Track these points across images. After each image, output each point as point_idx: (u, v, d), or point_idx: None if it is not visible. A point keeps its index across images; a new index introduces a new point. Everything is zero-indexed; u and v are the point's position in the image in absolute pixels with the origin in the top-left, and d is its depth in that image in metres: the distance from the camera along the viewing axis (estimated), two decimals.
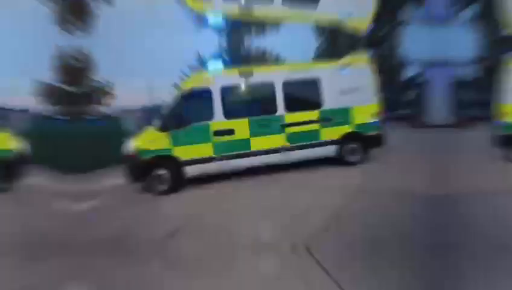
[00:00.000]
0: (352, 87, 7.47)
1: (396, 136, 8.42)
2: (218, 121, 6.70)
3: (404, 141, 10.97)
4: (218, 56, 7.17)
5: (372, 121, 7.64)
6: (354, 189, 5.74)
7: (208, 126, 6.66)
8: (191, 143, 6.59)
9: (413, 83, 18.40)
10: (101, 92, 16.70)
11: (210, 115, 6.76)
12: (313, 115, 7.26)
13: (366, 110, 7.58)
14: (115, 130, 11.46)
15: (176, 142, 6.54)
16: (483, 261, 3.02)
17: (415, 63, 20.71)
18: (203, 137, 6.64)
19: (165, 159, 6.59)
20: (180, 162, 6.58)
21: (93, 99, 15.22)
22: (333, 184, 6.18)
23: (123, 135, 8.48)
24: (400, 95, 17.49)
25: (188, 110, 6.81)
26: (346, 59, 7.88)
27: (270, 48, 17.54)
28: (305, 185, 6.35)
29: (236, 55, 11.76)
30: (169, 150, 6.53)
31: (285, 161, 7.25)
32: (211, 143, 6.70)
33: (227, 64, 7.32)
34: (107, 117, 13.75)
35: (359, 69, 7.60)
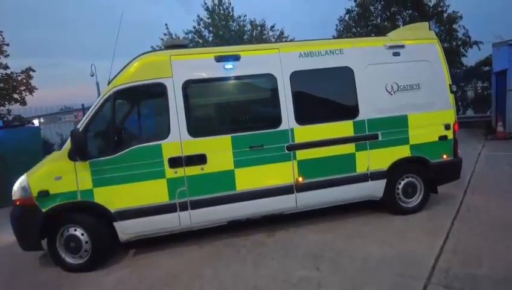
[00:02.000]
0: (409, 83, 5.35)
1: (466, 155, 6.14)
2: (178, 140, 4.55)
3: (484, 163, 8.77)
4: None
5: (442, 139, 5.45)
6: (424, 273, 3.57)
7: (158, 150, 4.53)
8: (129, 180, 4.51)
9: (484, 71, 15.98)
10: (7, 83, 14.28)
11: (163, 131, 4.63)
12: (343, 129, 5.12)
13: (432, 120, 5.45)
14: (13, 148, 9.16)
15: (101, 180, 4.46)
16: None
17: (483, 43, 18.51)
18: (150, 169, 4.54)
19: (82, 210, 4.47)
20: (107, 214, 4.47)
21: None
22: (385, 261, 3.98)
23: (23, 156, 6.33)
24: (463, 90, 15.17)
25: (123, 123, 4.69)
26: (397, 34, 5.72)
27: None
28: (335, 261, 4.17)
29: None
30: (89, 193, 4.42)
31: (295, 209, 5.07)
32: (164, 180, 4.57)
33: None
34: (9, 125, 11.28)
35: (420, 52, 5.46)
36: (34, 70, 16.69)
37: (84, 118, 4.55)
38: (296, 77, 4.99)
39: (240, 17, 23.35)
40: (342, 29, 21.81)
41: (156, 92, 4.80)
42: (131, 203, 4.56)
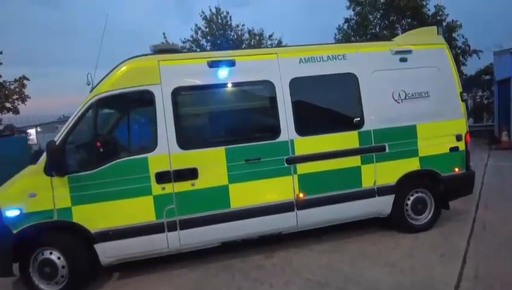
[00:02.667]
0: (417, 90, 4.96)
1: (473, 165, 5.74)
2: (166, 153, 4.10)
3: (493, 175, 8.33)
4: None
5: (453, 151, 5.03)
6: None
7: (144, 164, 4.08)
8: (111, 198, 4.05)
9: (484, 79, 15.69)
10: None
11: (150, 142, 4.19)
12: (348, 140, 4.70)
13: (443, 130, 5.03)
14: None
15: (80, 197, 4.00)
16: None
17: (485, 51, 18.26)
18: (135, 185, 4.09)
19: (58, 231, 4.01)
20: (87, 235, 4.01)
21: None
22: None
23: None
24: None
25: (105, 134, 4.26)
26: (404, 38, 5.33)
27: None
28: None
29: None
30: (67, 211, 3.96)
31: (296, 229, 4.62)
32: (151, 197, 4.12)
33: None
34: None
35: (428, 57, 5.07)
36: (27, 79, 16.31)
37: (63, 128, 4.10)
38: (296, 84, 4.57)
39: (237, 26, 23.13)
40: (340, 38, 21.54)
41: (143, 100, 4.37)
42: (114, 223, 4.09)
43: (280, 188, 4.49)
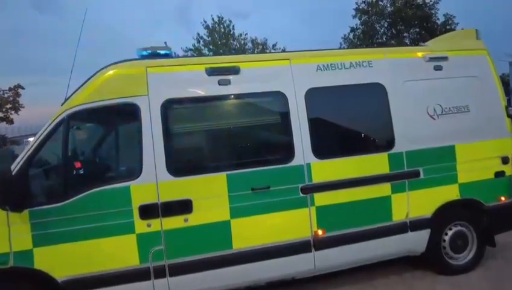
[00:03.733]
0: (456, 104, 4.14)
1: None
2: (153, 181, 3.27)
3: None
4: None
5: (499, 176, 4.19)
6: None
7: (126, 194, 3.26)
8: (84, 237, 3.25)
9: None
10: None
11: (133, 167, 3.37)
12: (376, 164, 3.86)
13: (486, 152, 4.21)
14: None
15: (45, 237, 3.21)
16: None
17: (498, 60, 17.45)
18: (113, 221, 3.28)
19: (15, 280, 3.18)
20: (52, 284, 3.17)
21: None
22: None
23: None
24: None
25: (78, 157, 3.46)
26: (437, 43, 4.54)
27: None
28: None
29: None
30: (26, 255, 3.14)
31: (313, 273, 3.76)
32: (133, 236, 3.28)
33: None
34: None
35: (467, 66, 4.29)
36: (22, 88, 15.64)
37: (25, 150, 3.27)
38: (313, 95, 3.75)
39: (240, 35, 22.55)
40: (346, 47, 20.88)
41: (125, 115, 3.56)
42: (87, 268, 3.23)
43: (294, 224, 3.63)
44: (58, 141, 3.29)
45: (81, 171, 3.44)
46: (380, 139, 3.97)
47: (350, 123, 3.96)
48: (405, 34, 19.15)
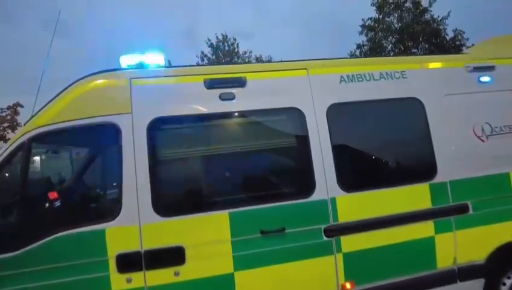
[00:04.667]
0: (507, 123, 3.42)
1: None
2: (134, 222, 2.53)
3: None
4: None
5: None
6: None
7: (100, 240, 2.51)
8: None
9: None
10: None
11: (110, 205, 2.64)
12: (415, 197, 3.07)
13: None
14: None
15: None
16: None
17: None
18: (84, 275, 2.51)
19: None
20: None
21: None
22: None
23: None
24: None
25: (41, 190, 2.73)
26: (480, 49, 3.84)
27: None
28: None
29: None
30: None
31: None
32: None
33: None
34: None
35: None
36: (21, 106, 15.14)
37: None
38: (337, 113, 3.02)
39: (245, 53, 22.18)
40: None
41: (102, 138, 2.86)
42: None
43: (316, 276, 2.82)
44: (15, 171, 2.57)
45: (43, 210, 2.69)
46: (419, 167, 3.20)
47: (382, 147, 3.19)
48: (414, 50, 18.57)
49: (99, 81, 2.76)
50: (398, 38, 18.80)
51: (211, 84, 2.85)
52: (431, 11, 19.01)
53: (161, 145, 2.75)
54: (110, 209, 2.62)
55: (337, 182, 2.89)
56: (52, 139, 2.76)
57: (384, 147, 3.18)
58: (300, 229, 2.80)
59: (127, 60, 2.95)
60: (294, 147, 3.02)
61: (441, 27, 18.32)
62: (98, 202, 2.96)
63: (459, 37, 17.98)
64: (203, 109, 2.83)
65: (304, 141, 2.92)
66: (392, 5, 19.75)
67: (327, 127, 2.95)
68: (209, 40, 21.98)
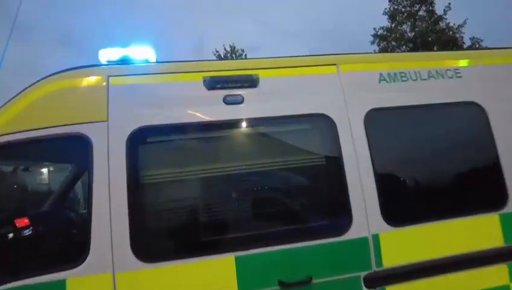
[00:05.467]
0: None
1: None
2: (108, 270, 1.85)
3: None
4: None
5: None
6: None
7: None
8: None
9: None
10: None
11: (73, 246, 1.92)
12: (481, 232, 2.30)
13: None
14: None
15: None
16: None
17: None
18: None
19: None
20: None
21: None
22: None
23: None
24: None
25: None
26: None
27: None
28: None
29: None
30: None
31: None
32: None
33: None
34: None
35: None
36: None
37: None
38: (378, 121, 2.30)
39: None
40: None
41: (67, 154, 2.18)
42: None
43: None
44: None
45: None
46: (485, 191, 2.44)
47: (437, 166, 2.43)
48: None
49: (67, 80, 2.11)
50: (411, 47, 18.09)
51: (212, 83, 2.18)
52: (446, 19, 18.40)
53: (145, 165, 2.06)
54: (75, 252, 1.92)
55: (381, 214, 2.15)
56: (2, 155, 2.10)
57: (440, 167, 2.42)
58: (332, 279, 2.05)
59: (107, 54, 2.30)
60: (322, 166, 2.28)
61: (458, 35, 17.61)
62: (57, 242, 2.25)
63: (477, 46, 17.19)
64: (202, 116, 2.14)
65: (335, 158, 2.20)
66: (405, 14, 19.20)
67: (366, 140, 2.23)
68: (217, 51, 21.56)
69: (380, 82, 2.41)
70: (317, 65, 2.37)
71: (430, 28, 18.32)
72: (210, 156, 2.20)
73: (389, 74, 2.44)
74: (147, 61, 2.27)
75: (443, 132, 2.47)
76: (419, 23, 18.94)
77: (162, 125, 2.09)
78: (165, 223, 2.10)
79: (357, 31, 25.24)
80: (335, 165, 2.19)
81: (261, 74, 2.25)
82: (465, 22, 17.85)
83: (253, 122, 2.23)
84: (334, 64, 2.39)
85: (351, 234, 2.11)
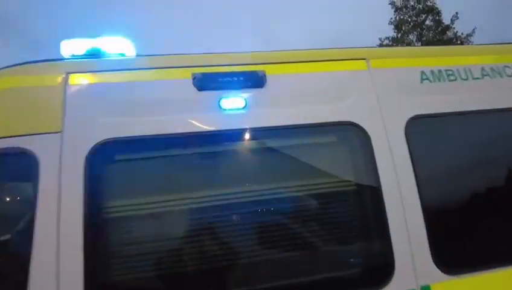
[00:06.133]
0: None
1: None
2: None
3: None
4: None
5: None
6: None
7: None
8: None
9: None
10: None
11: None
12: None
13: None
14: None
15: None
16: None
17: None
18: None
19: None
20: None
21: None
22: None
23: None
24: None
25: None
26: None
27: None
28: None
29: None
30: None
31: None
32: None
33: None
34: None
35: None
36: None
37: None
38: (424, 132, 1.76)
39: None
40: None
41: (3, 178, 1.63)
42: None
43: None
44: None
45: None
46: None
47: (504, 192, 1.85)
48: None
49: (9, 79, 1.58)
50: None
51: (205, 82, 1.64)
52: (453, 28, 17.98)
53: (111, 191, 1.51)
54: None
55: (432, 258, 1.58)
56: None
57: (509, 194, 1.85)
58: None
59: (71, 47, 1.78)
60: (352, 194, 1.70)
61: (466, 44, 17.16)
62: None
63: None
64: (190, 126, 1.60)
65: (369, 183, 1.64)
66: (411, 23, 18.81)
67: (409, 158, 1.67)
68: None
69: (422, 82, 1.86)
70: (341, 59, 1.83)
71: (437, 37, 17.90)
72: (197, 179, 1.61)
73: (432, 72, 1.89)
74: (122, 56, 1.74)
75: (509, 148, 1.91)
76: (426, 32, 18.54)
77: (136, 137, 1.55)
78: (136, 267, 1.49)
79: (362, 42, 24.86)
80: (369, 192, 1.63)
81: (268, 70, 1.72)
82: (473, 31, 17.41)
83: (258, 134, 1.67)
84: (363, 59, 1.84)
85: (394, 286, 1.53)
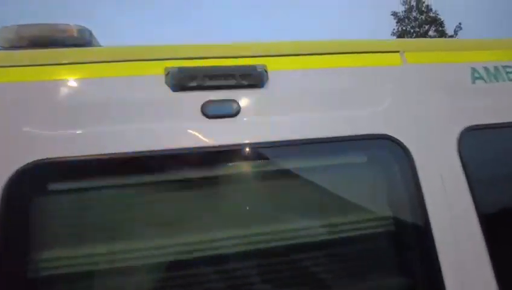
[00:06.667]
0: None
1: None
2: None
3: None
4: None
5: None
6: None
7: None
8: None
9: None
10: None
11: None
12: None
13: None
14: None
15: None
16: None
17: None
18: None
19: None
20: None
21: None
22: None
23: None
24: None
25: None
26: None
27: None
28: None
29: None
30: None
31: None
32: None
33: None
34: None
35: None
36: None
37: None
38: (480, 147, 1.30)
39: None
40: None
41: None
42: None
43: None
44: None
45: None
46: None
47: None
48: None
49: None
50: None
51: (182, 79, 1.17)
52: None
53: (42, 237, 1.04)
54: None
55: None
56: None
57: None
58: None
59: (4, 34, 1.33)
60: (390, 225, 1.20)
61: None
62: None
63: None
64: (160, 142, 1.13)
65: (412, 209, 1.17)
66: (414, 34, 18.62)
67: (464, 179, 1.20)
68: None
69: (474, 82, 1.41)
70: (368, 52, 1.37)
71: None
72: (166, 222, 1.14)
73: (486, 69, 1.43)
74: (63, 40, 1.29)
75: None
76: None
77: (78, 158, 1.07)
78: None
79: None
80: (413, 221, 1.15)
81: (270, 64, 1.26)
82: None
83: (255, 151, 1.20)
84: (397, 52, 1.39)
85: None
